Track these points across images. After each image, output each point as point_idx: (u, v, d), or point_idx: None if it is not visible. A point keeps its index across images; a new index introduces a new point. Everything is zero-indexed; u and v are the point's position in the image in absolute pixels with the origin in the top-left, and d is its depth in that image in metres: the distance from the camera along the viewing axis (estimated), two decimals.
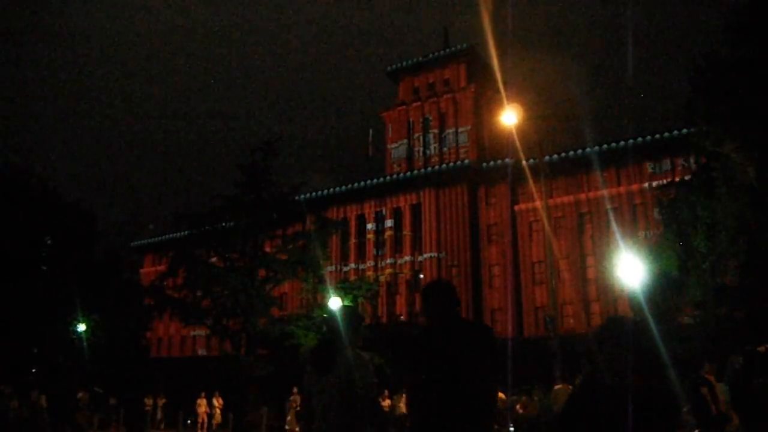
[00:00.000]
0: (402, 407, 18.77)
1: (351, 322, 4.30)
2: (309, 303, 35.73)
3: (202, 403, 26.65)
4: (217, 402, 26.98)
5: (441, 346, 3.68)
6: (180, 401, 28.97)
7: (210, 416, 26.67)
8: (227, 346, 26.97)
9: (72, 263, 32.46)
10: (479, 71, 48.83)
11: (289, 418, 24.17)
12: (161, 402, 30.06)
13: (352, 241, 47.49)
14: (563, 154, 40.88)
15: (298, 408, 23.78)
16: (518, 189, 42.17)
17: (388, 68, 52.52)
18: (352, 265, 46.89)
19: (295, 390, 24.27)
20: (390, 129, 50.85)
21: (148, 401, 29.54)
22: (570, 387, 14.73)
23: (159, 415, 29.76)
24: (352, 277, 40.82)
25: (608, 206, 38.33)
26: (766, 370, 9.32)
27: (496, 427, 13.05)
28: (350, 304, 29.07)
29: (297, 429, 23.67)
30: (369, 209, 47.60)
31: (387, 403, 20.04)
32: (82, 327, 33.14)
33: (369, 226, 47.44)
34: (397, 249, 46.06)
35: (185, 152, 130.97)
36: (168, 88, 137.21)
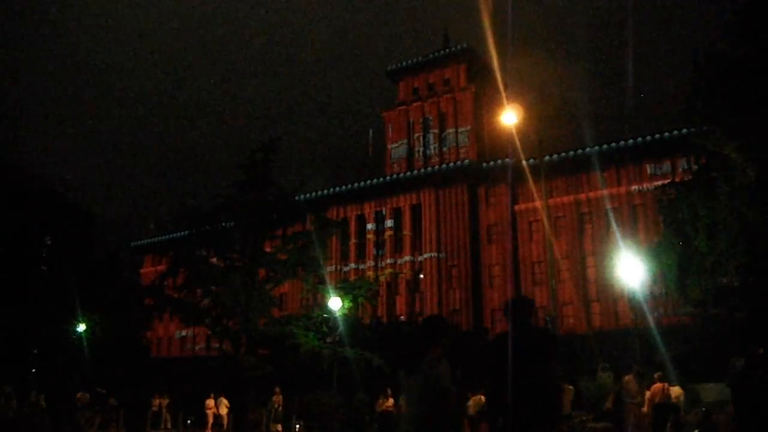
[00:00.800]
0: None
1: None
2: (309, 303, 35.74)
3: (210, 403, 26.52)
4: (225, 402, 26.87)
5: (516, 345, 4.60)
6: (180, 401, 28.92)
7: (218, 417, 26.54)
8: (227, 346, 26.94)
9: (72, 263, 32.47)
10: (479, 71, 48.82)
11: (272, 417, 24.04)
12: (165, 402, 30.02)
13: (352, 241, 47.47)
14: (563, 154, 40.89)
15: (279, 408, 23.76)
16: (518, 189, 42.17)
17: (388, 68, 52.54)
18: (352, 265, 46.88)
19: (277, 390, 24.16)
20: (390, 129, 50.86)
21: (155, 401, 29.48)
22: (571, 387, 14.68)
23: (165, 416, 29.71)
24: (352, 277, 40.77)
25: (608, 206, 38.32)
26: (766, 372, 9.33)
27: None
28: (359, 304, 29.23)
29: (279, 428, 23.60)
30: (369, 209, 47.59)
31: (390, 402, 19.92)
32: (82, 327, 33.14)
33: (369, 226, 47.44)
34: (397, 249, 46.06)
35: (185, 152, 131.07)
36: (168, 87, 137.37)
